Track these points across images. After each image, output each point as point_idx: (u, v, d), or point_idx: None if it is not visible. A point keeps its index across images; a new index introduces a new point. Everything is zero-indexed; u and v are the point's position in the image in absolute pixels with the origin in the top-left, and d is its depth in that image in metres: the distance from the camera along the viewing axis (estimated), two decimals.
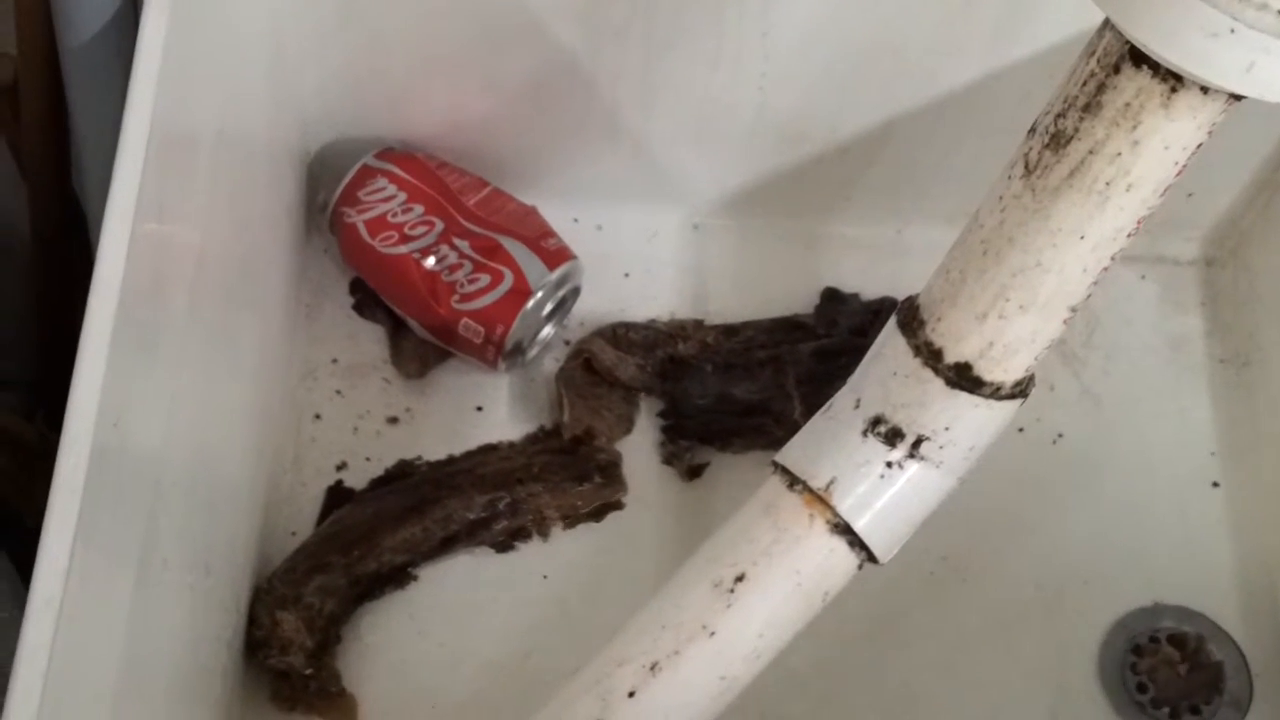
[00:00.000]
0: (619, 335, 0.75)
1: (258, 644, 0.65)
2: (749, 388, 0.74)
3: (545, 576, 0.71)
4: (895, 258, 0.80)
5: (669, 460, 0.74)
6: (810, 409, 0.73)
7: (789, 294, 0.79)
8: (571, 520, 0.72)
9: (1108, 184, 0.46)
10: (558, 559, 0.71)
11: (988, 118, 0.73)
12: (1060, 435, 0.76)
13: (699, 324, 0.77)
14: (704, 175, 0.79)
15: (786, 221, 0.80)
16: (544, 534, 0.71)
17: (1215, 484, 0.75)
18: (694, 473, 0.74)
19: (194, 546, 0.54)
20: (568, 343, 0.76)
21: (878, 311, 0.78)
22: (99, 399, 0.41)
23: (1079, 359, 0.78)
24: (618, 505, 0.73)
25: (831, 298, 0.79)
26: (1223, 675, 0.71)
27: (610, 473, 0.73)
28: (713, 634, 0.52)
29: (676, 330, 0.76)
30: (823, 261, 0.80)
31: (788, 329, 0.77)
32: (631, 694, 0.52)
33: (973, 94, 0.72)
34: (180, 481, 0.52)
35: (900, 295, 0.78)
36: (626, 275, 0.79)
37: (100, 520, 0.42)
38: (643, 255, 0.80)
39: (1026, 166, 0.47)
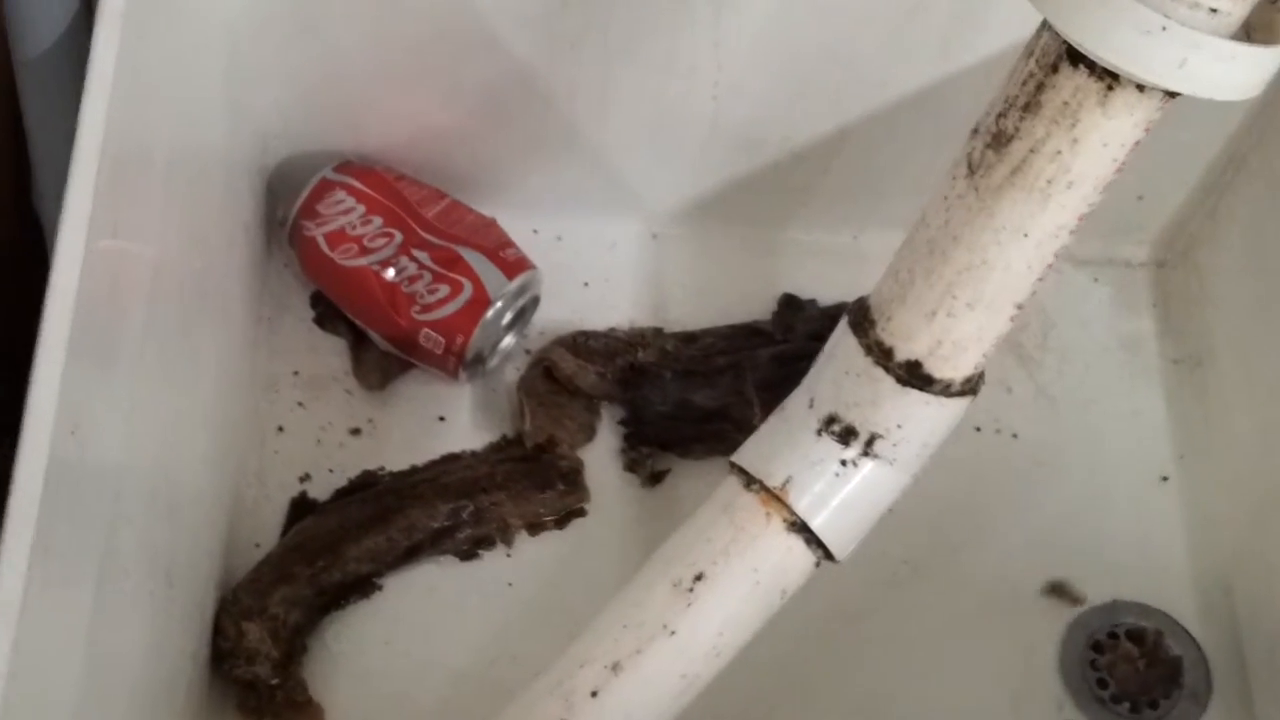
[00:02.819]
0: (579, 344, 0.76)
1: (223, 655, 0.65)
2: (709, 394, 0.75)
3: (510, 584, 0.71)
4: (852, 263, 0.81)
5: (630, 467, 0.74)
6: (769, 413, 0.75)
7: (747, 301, 0.79)
8: (535, 528, 0.72)
9: (1049, 182, 0.47)
10: (522, 566, 0.71)
11: (940, 123, 0.73)
12: (1016, 435, 0.77)
13: (658, 332, 0.78)
14: (662, 185, 0.79)
15: (744, 229, 0.81)
16: (508, 542, 0.72)
17: (1169, 481, 0.76)
18: (655, 479, 0.74)
19: (155, 556, 0.54)
20: (528, 352, 0.77)
21: (835, 317, 0.77)
22: (55, 408, 0.42)
23: (1034, 360, 0.79)
24: (580, 512, 0.73)
25: (789, 304, 0.79)
26: (1181, 669, 0.71)
27: (572, 480, 0.73)
28: (673, 633, 0.53)
29: (636, 338, 0.77)
30: (780, 268, 0.81)
31: (746, 335, 0.78)
32: (594, 694, 0.53)
33: (924, 100, 0.73)
34: (141, 492, 0.52)
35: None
36: (586, 284, 0.80)
37: (58, 530, 0.42)
38: (602, 265, 0.80)
39: (970, 166, 0.48)
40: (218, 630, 0.66)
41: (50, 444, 0.41)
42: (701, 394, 0.75)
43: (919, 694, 0.70)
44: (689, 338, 0.77)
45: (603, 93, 0.73)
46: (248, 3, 0.66)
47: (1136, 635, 0.72)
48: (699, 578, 0.53)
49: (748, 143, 0.77)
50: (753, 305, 0.79)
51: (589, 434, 0.75)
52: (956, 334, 0.50)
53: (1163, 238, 0.82)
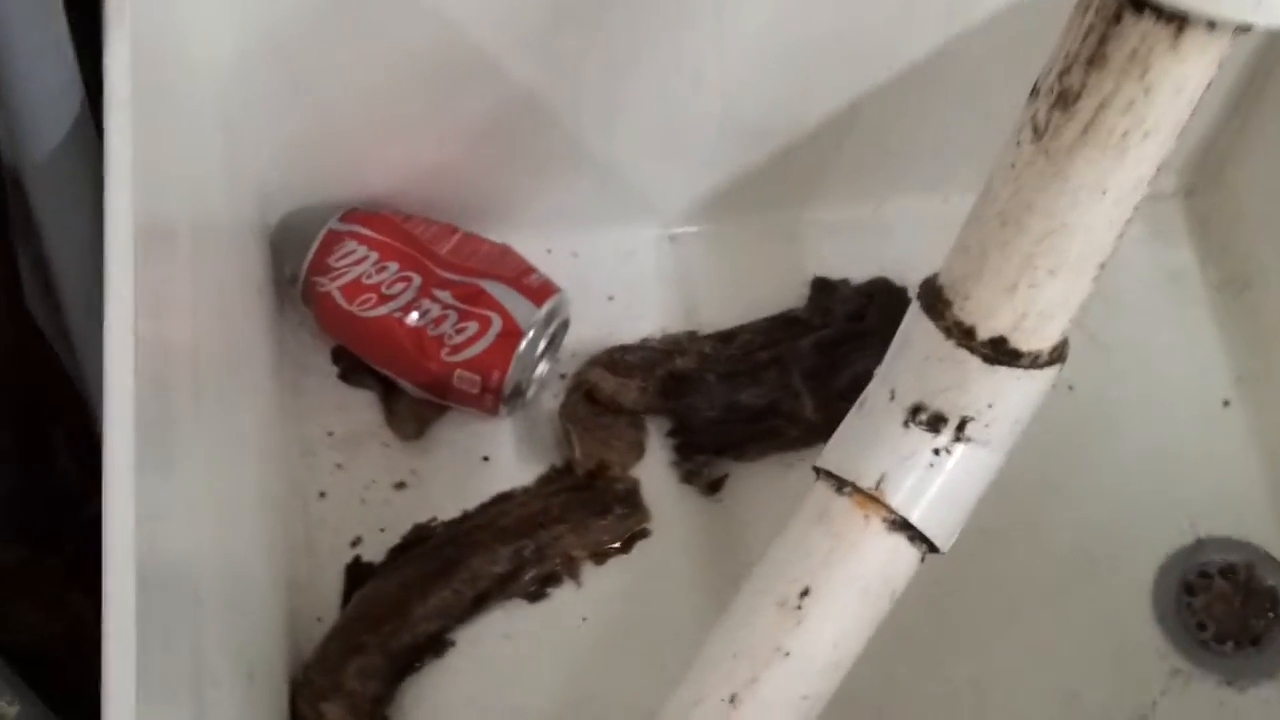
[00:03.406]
0: (616, 360, 0.73)
1: None
2: (755, 392, 0.73)
3: (584, 619, 0.69)
4: (877, 235, 0.79)
5: (687, 479, 0.72)
6: (821, 403, 0.73)
7: (778, 290, 0.77)
8: (600, 556, 0.70)
9: (1124, 135, 0.44)
10: (593, 598, 0.69)
11: (950, 85, 0.72)
12: (1072, 388, 0.75)
13: (693, 335, 0.75)
14: (674, 186, 0.77)
15: (763, 217, 0.79)
16: (575, 575, 0.69)
17: (1231, 407, 0.75)
18: (714, 487, 0.72)
19: (237, 656, 0.52)
20: (563, 377, 0.74)
21: (870, 294, 0.77)
22: (133, 527, 0.39)
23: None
24: (644, 533, 0.71)
25: (822, 287, 0.77)
26: (1277, 599, 0.70)
27: (631, 501, 0.71)
28: (787, 654, 0.50)
29: (672, 345, 0.75)
30: (805, 251, 0.79)
31: (784, 326, 0.75)
32: None
33: (934, 64, 0.71)
34: (215, 590, 0.50)
35: (888, 273, 0.78)
36: (610, 298, 0.77)
37: (154, 664, 0.39)
38: (623, 276, 0.78)
39: (1035, 130, 0.46)
40: (296, 716, 0.63)
41: (136, 566, 0.39)
42: (748, 393, 0.73)
43: (1017, 666, 0.68)
44: (726, 337, 0.75)
45: (607, 103, 0.70)
46: (237, 66, 0.63)
47: (1227, 571, 0.71)
48: (805, 593, 0.51)
49: (758, 132, 0.74)
50: (784, 294, 0.77)
51: (639, 452, 0.73)
52: (1041, 304, 0.48)
53: (1190, 164, 0.80)
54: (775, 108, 0.73)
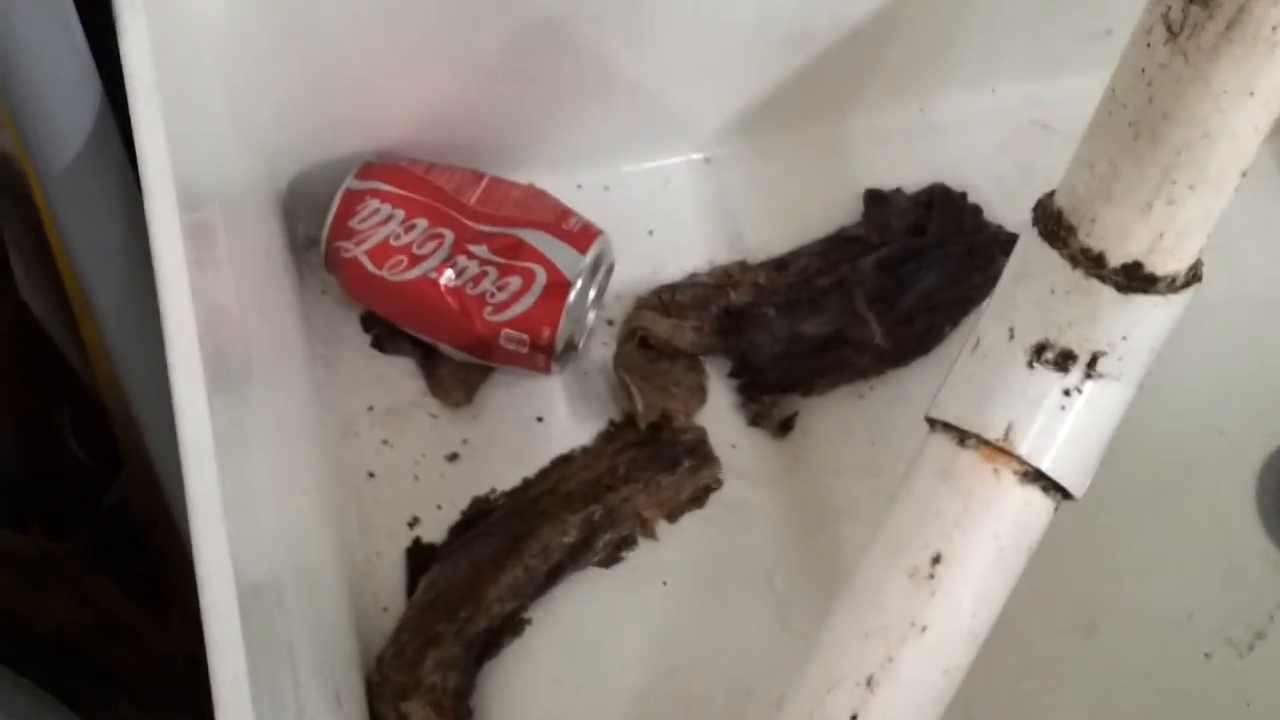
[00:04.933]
0: (665, 301, 0.68)
1: None
2: (818, 321, 0.68)
3: (664, 582, 0.64)
4: (926, 138, 0.74)
5: (755, 421, 0.68)
6: (889, 326, 0.68)
7: (828, 207, 0.72)
8: (674, 514, 0.66)
9: (1274, 28, 0.39)
10: (671, 559, 0.65)
11: None
12: None
13: (744, 265, 0.70)
14: (707, 104, 0.71)
15: (804, 129, 0.73)
16: (650, 535, 0.65)
17: None
18: (785, 427, 0.67)
19: (324, 674, 0.47)
20: (610, 323, 0.69)
21: (928, 203, 0.72)
22: (223, 529, 0.34)
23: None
24: (716, 484, 0.66)
25: (875, 200, 0.72)
26: None
27: (700, 452, 0.66)
28: (924, 628, 0.46)
29: (723, 279, 0.69)
30: (852, 162, 0.73)
31: (841, 246, 0.70)
32: (854, 718, 0.46)
33: None
34: (295, 594, 0.45)
35: (943, 177, 0.73)
36: (650, 233, 0.72)
37: (263, 682, 0.35)
38: (661, 207, 0.72)
39: (1170, 29, 0.41)
40: (375, 718, 0.59)
41: (235, 578, 0.34)
42: (811, 323, 0.68)
43: (1124, 579, 0.65)
44: (780, 264, 0.70)
45: (632, 19, 0.64)
46: (232, 16, 0.57)
47: None
48: (937, 560, 0.46)
49: (795, 36, 0.68)
50: (834, 211, 0.72)
51: (701, 397, 0.68)
52: (1180, 222, 0.43)
53: None
54: (812, 5, 0.67)
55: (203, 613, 0.33)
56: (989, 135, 0.75)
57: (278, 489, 0.50)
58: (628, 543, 0.65)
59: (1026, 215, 0.47)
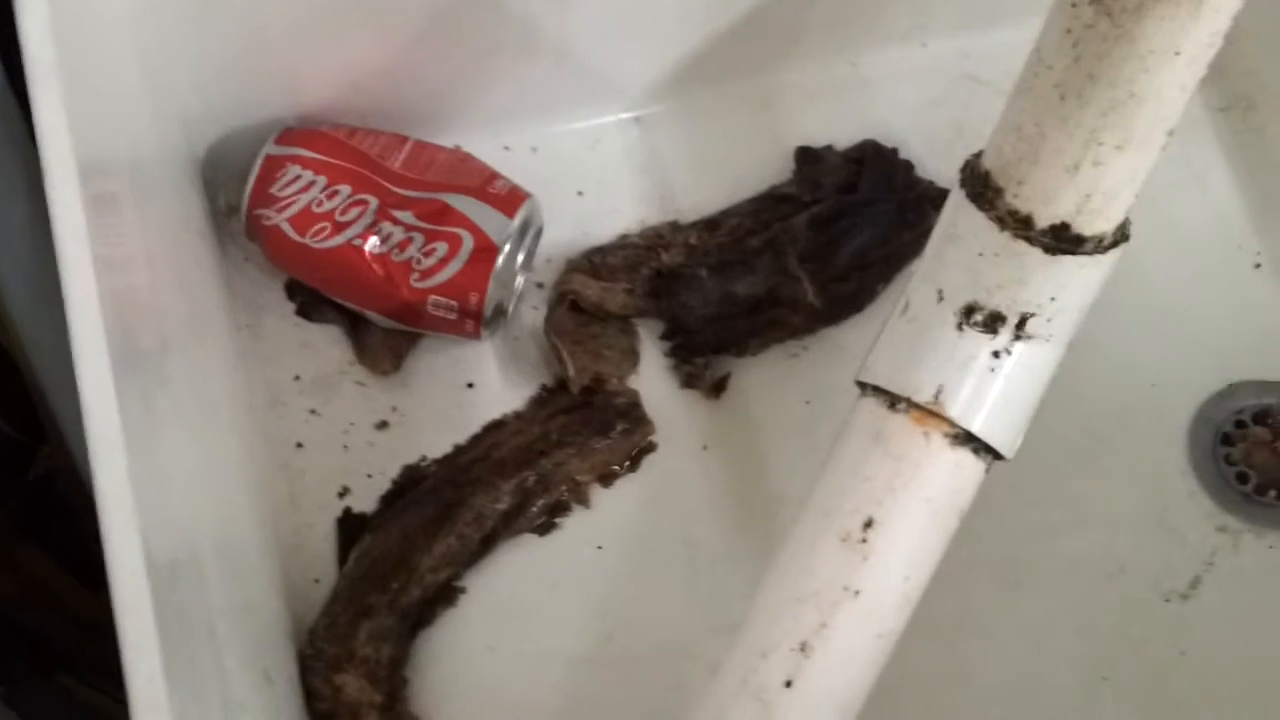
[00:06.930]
0: (596, 263, 0.68)
1: (325, 718, 0.58)
2: (750, 281, 0.67)
3: (599, 547, 0.64)
4: (857, 93, 0.73)
5: (688, 383, 0.67)
6: (822, 285, 0.67)
7: (759, 166, 0.71)
8: (608, 478, 0.65)
9: None
10: (606, 523, 0.64)
11: None
12: None
13: (675, 226, 0.70)
14: (636, 62, 0.70)
15: (734, 86, 0.72)
16: (584, 501, 0.65)
17: (1257, 255, 0.71)
18: (718, 388, 0.67)
19: (251, 653, 0.47)
20: (540, 286, 0.69)
21: (860, 160, 0.71)
22: (132, 505, 0.33)
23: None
24: (651, 447, 0.66)
25: (806, 158, 0.71)
26: None
27: (633, 415, 0.66)
28: (857, 593, 0.46)
29: (654, 240, 0.69)
30: (783, 119, 0.73)
31: (772, 205, 0.70)
32: (789, 683, 0.46)
33: None
34: (217, 570, 0.44)
35: (873, 133, 0.73)
36: (580, 194, 0.71)
37: (181, 671, 0.34)
38: (590, 168, 0.71)
39: None
40: (310, 692, 0.58)
41: (145, 566, 0.33)
42: (743, 283, 0.67)
43: (1058, 526, 0.65)
44: (711, 224, 0.69)
45: None
46: None
47: (1262, 416, 0.67)
48: (869, 524, 0.46)
49: None
50: (765, 169, 0.71)
51: (634, 360, 0.68)
52: (1107, 183, 0.43)
53: None
54: None
55: (114, 606, 0.32)
56: (920, 90, 0.74)
57: (199, 465, 0.49)
58: (561, 508, 0.64)
59: (957, 172, 0.47)
